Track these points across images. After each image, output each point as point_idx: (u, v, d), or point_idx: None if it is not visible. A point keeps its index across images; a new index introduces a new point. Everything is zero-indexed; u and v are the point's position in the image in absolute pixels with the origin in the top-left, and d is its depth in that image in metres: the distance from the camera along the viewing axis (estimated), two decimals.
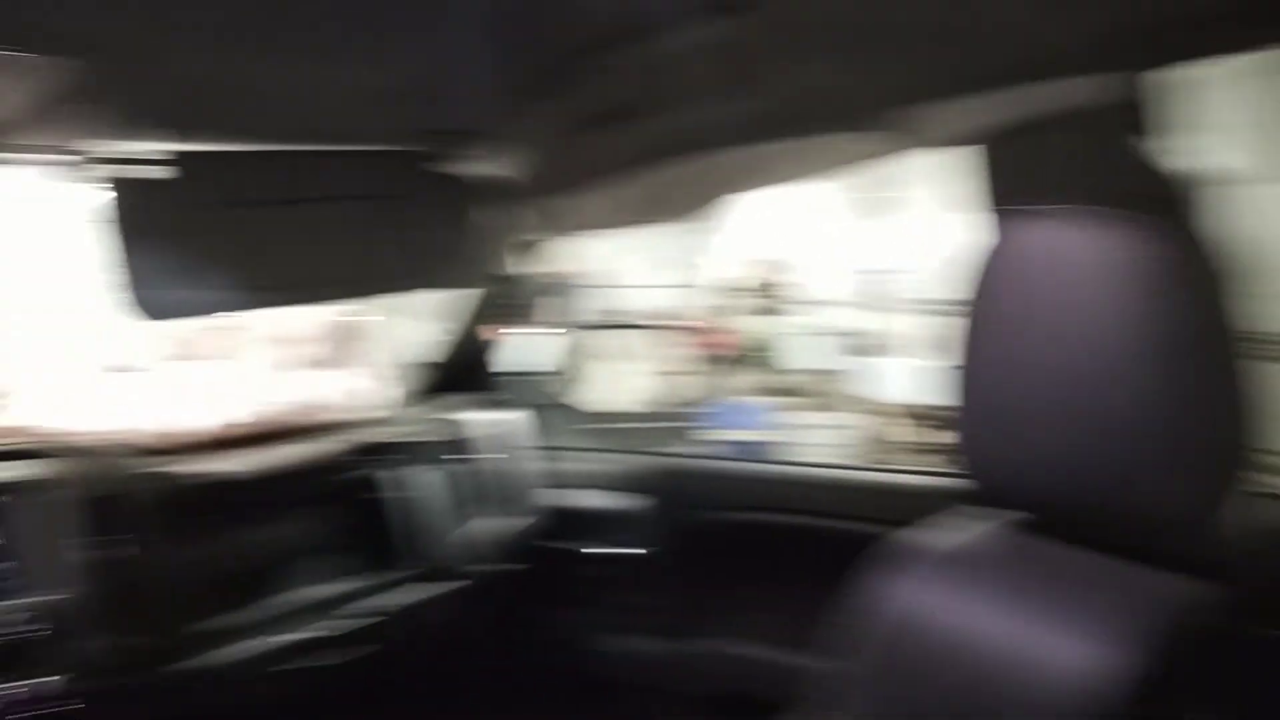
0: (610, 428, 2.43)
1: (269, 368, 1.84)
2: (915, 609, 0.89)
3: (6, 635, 1.32)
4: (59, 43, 0.90)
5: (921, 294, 5.58)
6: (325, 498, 1.84)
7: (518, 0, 0.97)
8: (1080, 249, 0.80)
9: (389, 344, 2.16)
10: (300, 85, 1.16)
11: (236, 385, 1.74)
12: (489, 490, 2.02)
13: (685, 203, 1.51)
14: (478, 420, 2.06)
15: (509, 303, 2.13)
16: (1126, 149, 0.88)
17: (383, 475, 1.82)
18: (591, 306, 7.07)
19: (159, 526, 1.53)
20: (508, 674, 2.20)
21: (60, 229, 1.70)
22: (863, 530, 1.31)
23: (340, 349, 1.91)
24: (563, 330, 3.14)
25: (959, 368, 0.89)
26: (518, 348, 2.38)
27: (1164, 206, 0.82)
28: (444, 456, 1.94)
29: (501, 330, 2.24)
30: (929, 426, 4.86)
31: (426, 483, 1.91)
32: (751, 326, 6.60)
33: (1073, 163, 0.93)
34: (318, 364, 1.88)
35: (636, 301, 6.98)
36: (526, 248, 1.99)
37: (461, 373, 2.17)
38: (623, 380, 3.16)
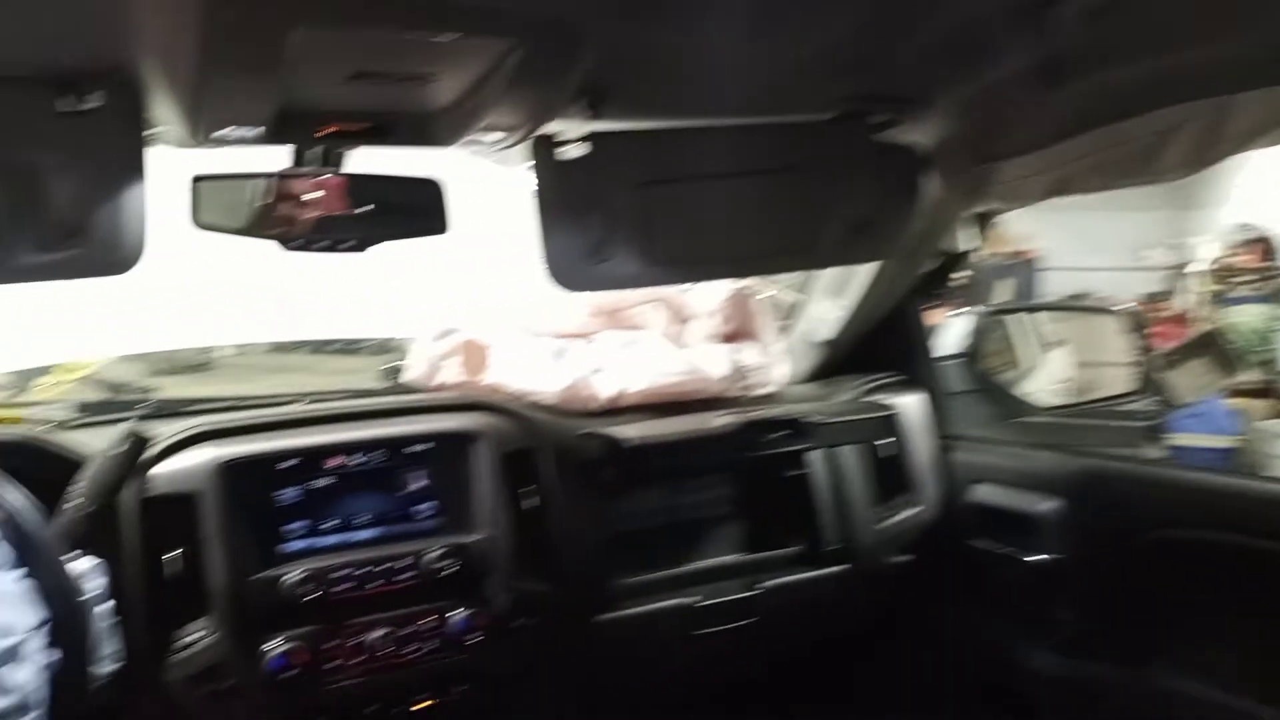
0: (1037, 421, 2.17)
1: (673, 340, 1.88)
2: None
3: (421, 569, 1.47)
4: (495, 23, 0.95)
5: None
6: (719, 469, 1.86)
7: None
8: None
9: (791, 319, 2.12)
10: (737, 57, 1.14)
11: (644, 355, 1.80)
12: (888, 476, 1.92)
13: (1144, 168, 1.29)
14: (882, 403, 1.96)
15: (936, 280, 1.98)
16: None
17: (776, 452, 1.79)
18: (1028, 288, 6.55)
19: (572, 484, 1.64)
20: (888, 667, 2.11)
21: (495, 206, 1.86)
22: None
23: (742, 323, 1.90)
24: (994, 312, 2.90)
25: None
26: (943, 328, 2.22)
27: None
28: (841, 438, 1.87)
29: (928, 309, 2.10)
30: None
31: (821, 463, 1.86)
32: (1228, 315, 5.68)
33: None
34: (720, 337, 1.89)
35: (1079, 284, 6.35)
36: (961, 222, 1.83)
37: (869, 351, 2.07)
38: (1057, 370, 2.84)
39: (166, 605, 1.36)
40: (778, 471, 1.85)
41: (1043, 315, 3.13)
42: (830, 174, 1.42)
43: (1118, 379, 2.61)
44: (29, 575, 1.08)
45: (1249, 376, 5.30)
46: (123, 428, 1.32)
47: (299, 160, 1.29)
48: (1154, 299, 6.43)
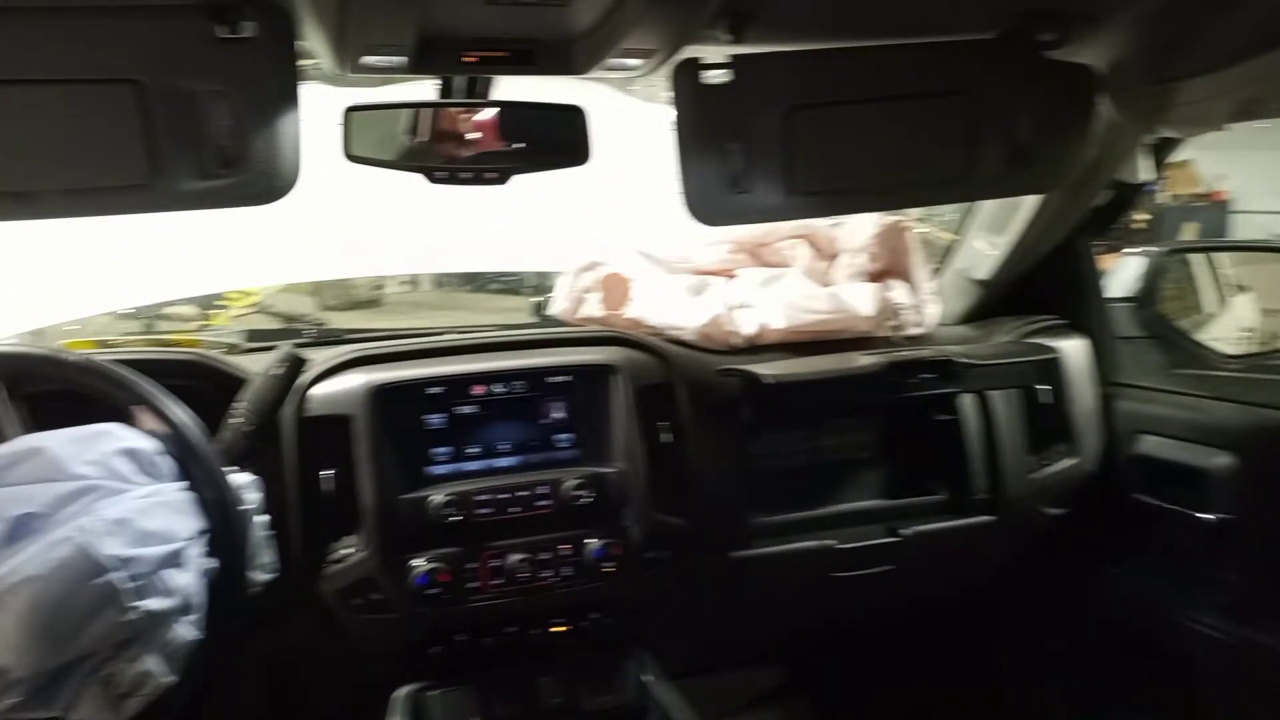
0: (1214, 373, 2.01)
1: (818, 276, 1.83)
2: None
3: (559, 498, 1.50)
4: None
5: None
6: (862, 411, 1.81)
7: None
8: None
9: (944, 256, 2.02)
10: None
11: (787, 292, 1.76)
12: (1045, 425, 1.83)
13: None
14: (1042, 346, 1.85)
15: (1109, 215, 1.86)
16: None
17: (924, 395, 1.71)
18: (1217, 233, 6.06)
19: (710, 420, 1.63)
20: (1033, 622, 2.05)
21: (636, 137, 1.84)
22: None
23: (892, 260, 1.83)
24: (1172, 252, 2.69)
25: None
26: (1115, 269, 2.08)
27: None
28: (995, 382, 1.78)
29: (1101, 247, 1.97)
30: None
31: (973, 408, 1.78)
32: None
33: None
34: (868, 275, 1.82)
35: (1275, 230, 5.84)
36: (1137, 150, 1.70)
37: (1029, 292, 1.95)
38: (1240, 317, 2.63)
39: (320, 521, 1.45)
40: (925, 415, 1.79)
41: (1226, 258, 2.89)
42: (993, 97, 1.33)
43: None
44: (191, 487, 1.17)
45: None
46: (281, 350, 1.39)
47: (446, 92, 1.31)
48: None
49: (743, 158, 1.29)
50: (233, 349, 1.71)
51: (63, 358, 1.18)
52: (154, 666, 1.07)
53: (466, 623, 1.50)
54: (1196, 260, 2.71)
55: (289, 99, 1.08)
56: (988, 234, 1.89)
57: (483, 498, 1.47)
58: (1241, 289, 2.69)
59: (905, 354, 1.66)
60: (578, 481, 1.50)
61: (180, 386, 1.25)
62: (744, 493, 1.67)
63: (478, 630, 1.51)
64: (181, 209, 1.10)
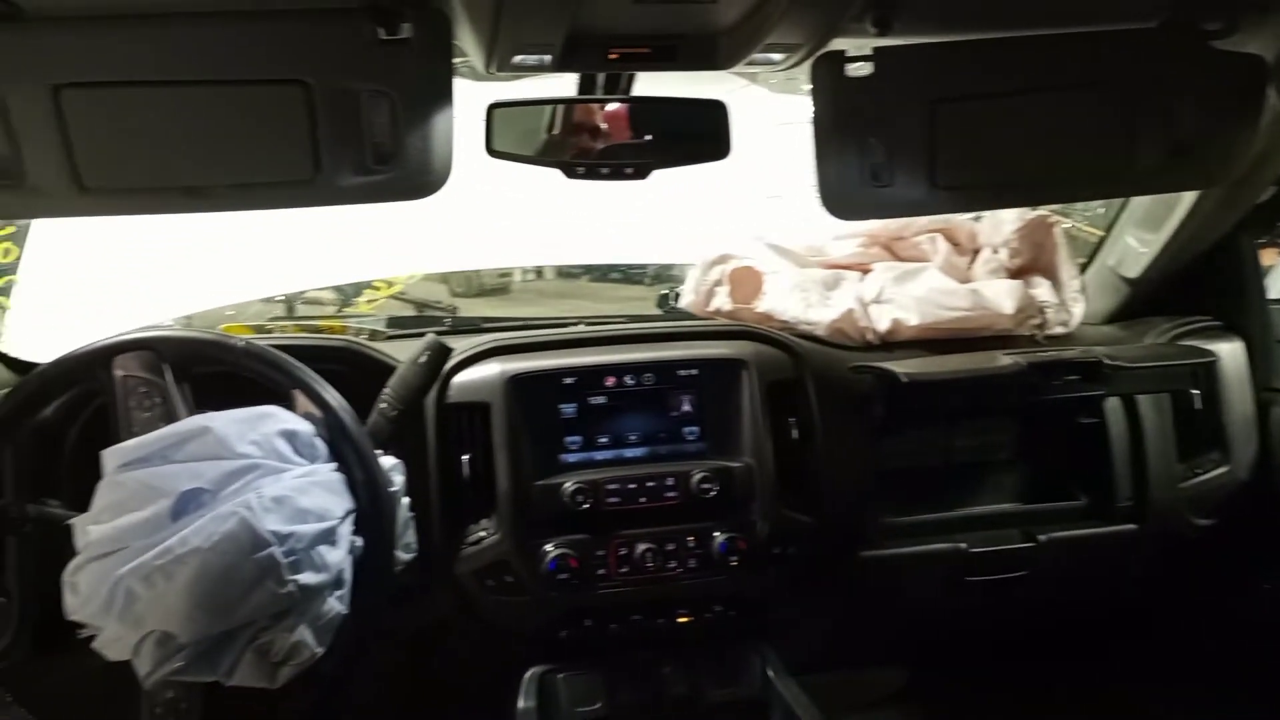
0: None
1: (956, 272, 1.78)
2: None
3: (685, 490, 1.51)
4: None
5: None
6: (1001, 412, 1.76)
7: None
8: None
9: (1090, 253, 1.94)
10: None
11: (923, 288, 1.72)
12: (1196, 431, 1.74)
13: None
14: (1194, 348, 1.75)
15: (1275, 212, 1.76)
16: None
17: (1067, 397, 1.65)
18: None
19: (840, 417, 1.61)
20: (1177, 637, 1.97)
21: (770, 129, 1.82)
22: None
23: (1035, 256, 1.76)
24: None
25: None
26: (1275, 268, 1.97)
27: None
28: (1143, 385, 1.69)
29: (1264, 245, 1.86)
30: None
31: (1118, 412, 1.71)
32: None
33: None
34: (1009, 271, 1.76)
35: None
36: None
37: (1182, 291, 1.86)
38: None
39: (458, 504, 1.50)
40: (1067, 418, 1.72)
41: None
42: (1153, 88, 1.27)
43: None
44: (342, 468, 1.22)
45: None
46: (428, 339, 1.44)
47: (585, 88, 1.33)
48: None
49: (881, 151, 1.26)
50: (375, 335, 1.78)
51: (230, 342, 1.25)
52: (306, 637, 1.13)
53: (594, 608, 1.53)
54: None
55: (443, 97, 1.12)
56: (1140, 230, 1.81)
57: (612, 487, 1.50)
58: None
59: (1050, 354, 1.60)
60: (704, 474, 1.51)
61: (331, 371, 1.31)
62: (873, 492, 1.64)
63: (605, 616, 1.54)
64: (339, 203, 1.15)
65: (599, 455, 1.56)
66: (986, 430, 1.75)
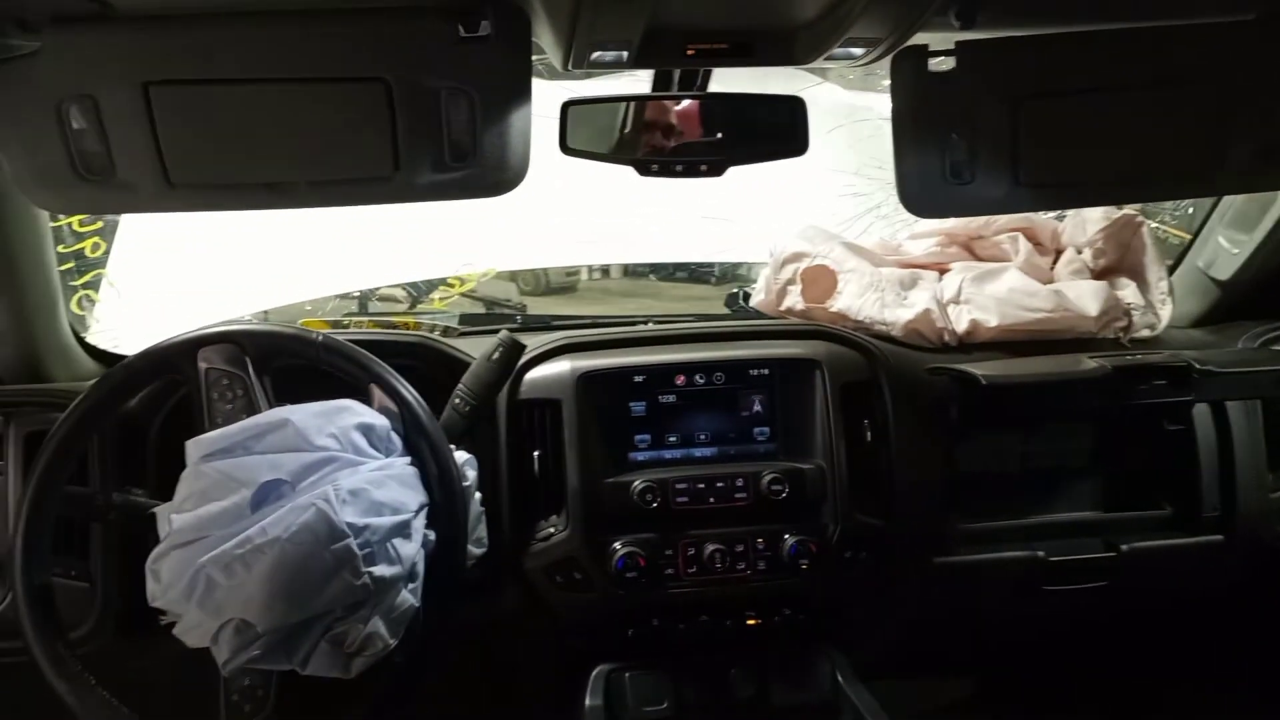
0: None
1: (1037, 272, 1.73)
2: None
3: (755, 491, 1.49)
4: None
5: None
6: (1082, 417, 1.70)
7: None
8: None
9: (1177, 254, 1.88)
10: None
11: (1003, 288, 1.68)
12: None
13: None
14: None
15: None
16: None
17: (1153, 403, 1.59)
18: None
19: (916, 420, 1.58)
20: (1269, 653, 1.89)
21: (846, 128, 1.80)
22: None
23: (1121, 257, 1.71)
24: None
25: None
26: None
27: None
28: (1233, 391, 1.63)
29: None
30: None
31: (1206, 418, 1.65)
32: None
33: None
34: (1094, 272, 1.71)
35: None
36: None
37: (1273, 294, 1.79)
38: None
39: (528, 500, 1.50)
40: (1152, 424, 1.66)
41: None
42: (1250, 84, 1.21)
43: None
44: (417, 462, 1.23)
45: None
46: (501, 335, 1.45)
47: (660, 84, 1.33)
48: None
49: (963, 148, 1.23)
50: (447, 331, 1.79)
51: (310, 337, 1.27)
52: (380, 629, 1.14)
53: (662, 608, 1.52)
54: None
55: (522, 95, 1.12)
56: (1232, 230, 1.74)
57: (681, 486, 1.49)
58: None
59: (1137, 358, 1.54)
60: (775, 475, 1.49)
61: (405, 366, 1.33)
62: (948, 497, 1.61)
63: (673, 616, 1.53)
64: (418, 200, 1.16)
65: (668, 454, 1.55)
66: (1067, 435, 1.70)
